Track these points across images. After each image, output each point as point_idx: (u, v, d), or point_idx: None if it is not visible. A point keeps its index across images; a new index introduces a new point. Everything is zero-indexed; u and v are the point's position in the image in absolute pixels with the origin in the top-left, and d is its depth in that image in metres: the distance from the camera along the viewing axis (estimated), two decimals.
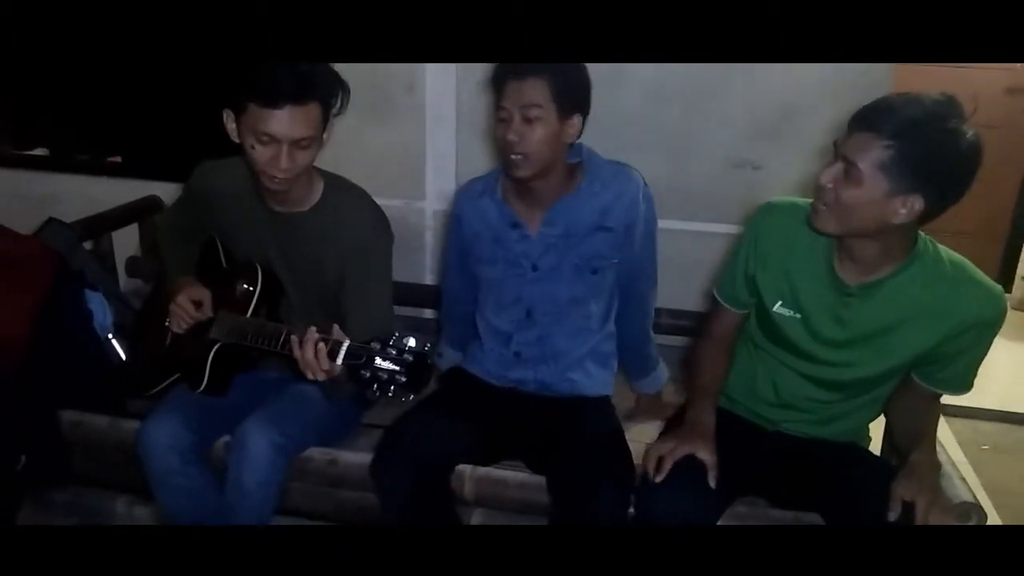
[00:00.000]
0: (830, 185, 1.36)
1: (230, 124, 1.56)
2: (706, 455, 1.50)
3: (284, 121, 1.48)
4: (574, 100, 1.63)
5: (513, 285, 1.78)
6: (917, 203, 1.30)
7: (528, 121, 1.59)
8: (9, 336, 1.85)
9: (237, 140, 1.56)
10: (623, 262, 1.78)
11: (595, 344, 1.82)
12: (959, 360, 1.49)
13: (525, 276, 1.77)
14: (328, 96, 1.54)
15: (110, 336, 2.07)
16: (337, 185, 1.72)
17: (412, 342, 1.41)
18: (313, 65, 1.51)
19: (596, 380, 1.83)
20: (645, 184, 1.76)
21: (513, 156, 1.62)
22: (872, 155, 1.29)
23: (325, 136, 1.59)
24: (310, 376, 1.50)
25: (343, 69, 2.04)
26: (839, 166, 1.34)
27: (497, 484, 1.70)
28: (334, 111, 1.58)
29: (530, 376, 1.81)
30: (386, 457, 1.62)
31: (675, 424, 1.72)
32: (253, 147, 1.52)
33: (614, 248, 1.75)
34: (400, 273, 2.38)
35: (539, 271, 1.76)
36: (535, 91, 1.58)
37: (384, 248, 1.73)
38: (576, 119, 1.65)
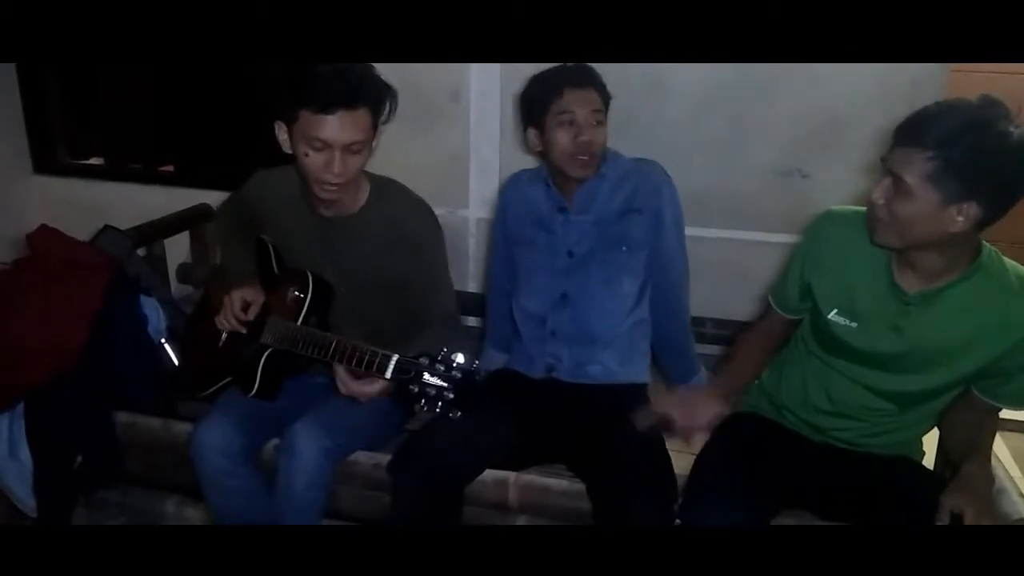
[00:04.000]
0: (882, 201, 1.35)
1: (282, 136, 1.60)
2: (714, 405, 1.54)
3: (336, 126, 1.52)
4: (609, 104, 1.79)
5: (549, 269, 1.85)
6: (972, 209, 1.28)
7: (596, 125, 1.73)
8: (67, 339, 1.90)
9: (289, 151, 1.60)
10: (654, 249, 1.84)
11: (628, 327, 1.86)
12: (1021, 376, 1.45)
13: (560, 262, 1.84)
14: (377, 102, 1.58)
15: (163, 341, 2.11)
16: (383, 185, 1.76)
17: (461, 358, 1.42)
18: (362, 71, 1.55)
19: (630, 367, 1.86)
20: (666, 173, 1.84)
21: (582, 157, 1.74)
22: (917, 168, 1.27)
23: (374, 143, 1.62)
24: (344, 390, 1.56)
25: (388, 76, 2.06)
26: (888, 181, 1.33)
27: (541, 491, 1.70)
28: (383, 117, 1.61)
29: (564, 353, 1.83)
30: (404, 458, 1.65)
31: (719, 432, 1.71)
32: (307, 154, 1.56)
33: (645, 231, 1.82)
34: None
35: (574, 257, 1.83)
36: (596, 98, 1.74)
37: (438, 237, 1.78)
38: (607, 119, 1.80)
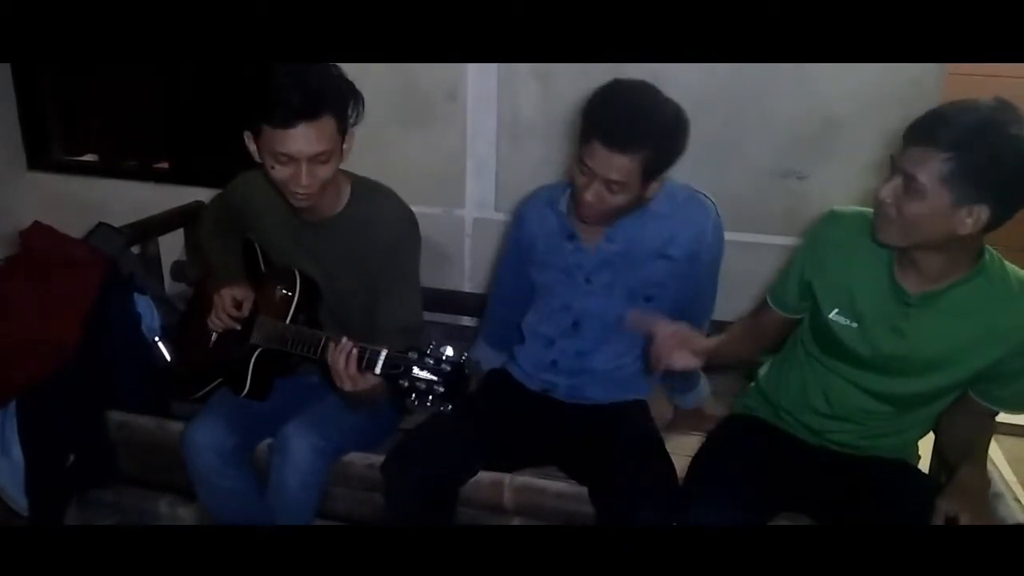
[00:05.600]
0: (890, 200, 1.33)
1: (251, 146, 1.56)
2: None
3: (299, 139, 1.47)
4: (663, 168, 1.56)
5: (564, 292, 1.76)
6: (983, 213, 1.27)
7: (611, 192, 1.53)
8: (61, 337, 1.89)
9: (259, 160, 1.56)
10: (681, 289, 1.73)
11: (636, 369, 1.80)
12: (1020, 379, 1.45)
13: (578, 287, 1.74)
14: (341, 108, 1.52)
15: (157, 339, 2.10)
16: (364, 187, 1.73)
17: (450, 351, 1.42)
18: (322, 77, 1.49)
19: (631, 390, 1.81)
20: (717, 214, 1.71)
21: (583, 210, 1.59)
22: (932, 168, 1.26)
23: (346, 147, 1.58)
24: (343, 386, 1.52)
25: (386, 76, 2.04)
26: (898, 180, 1.31)
27: (536, 493, 1.70)
28: (350, 121, 1.56)
29: (562, 382, 1.79)
30: (398, 458, 1.63)
31: (716, 434, 1.72)
32: (273, 167, 1.52)
33: (673, 277, 1.70)
34: (439, 281, 2.39)
35: (592, 284, 1.73)
36: (625, 168, 1.49)
37: (414, 245, 1.73)
38: (661, 177, 1.58)
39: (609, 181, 1.51)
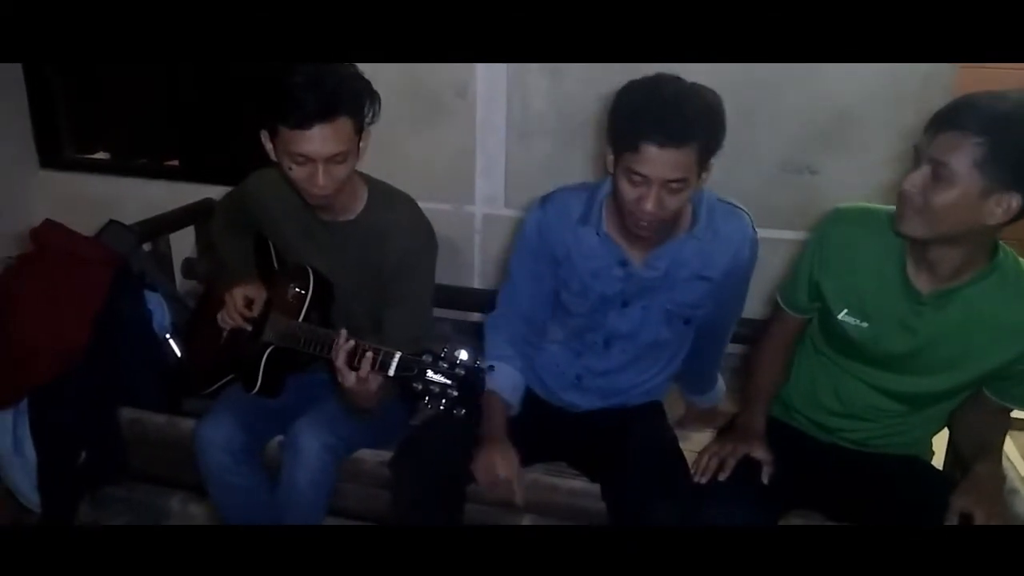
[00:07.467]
0: (916, 190, 1.30)
1: (268, 145, 1.56)
2: (761, 453, 1.52)
3: (316, 141, 1.47)
4: (715, 152, 1.45)
5: (599, 316, 1.68)
6: (1014, 201, 1.25)
7: (671, 193, 1.43)
8: (72, 335, 1.90)
9: (275, 159, 1.56)
10: (716, 304, 1.70)
11: (658, 382, 1.78)
12: None
13: (614, 310, 1.66)
14: (357, 108, 1.52)
15: (168, 336, 2.11)
16: (382, 193, 1.72)
17: (464, 355, 1.40)
18: (339, 78, 1.48)
19: (649, 398, 1.80)
20: (753, 227, 1.65)
21: (641, 223, 1.48)
22: (964, 153, 1.23)
23: (362, 145, 1.57)
24: (344, 382, 1.51)
25: (395, 73, 2.03)
26: (926, 169, 1.29)
27: (547, 490, 1.69)
28: (367, 121, 1.56)
29: (584, 403, 1.77)
30: (405, 454, 1.63)
31: (727, 431, 1.70)
32: (290, 168, 1.52)
33: (709, 296, 1.66)
34: (449, 277, 2.39)
35: (629, 307, 1.66)
36: (684, 163, 1.40)
37: (429, 257, 1.72)
38: (710, 165, 1.47)
39: (669, 182, 1.41)
